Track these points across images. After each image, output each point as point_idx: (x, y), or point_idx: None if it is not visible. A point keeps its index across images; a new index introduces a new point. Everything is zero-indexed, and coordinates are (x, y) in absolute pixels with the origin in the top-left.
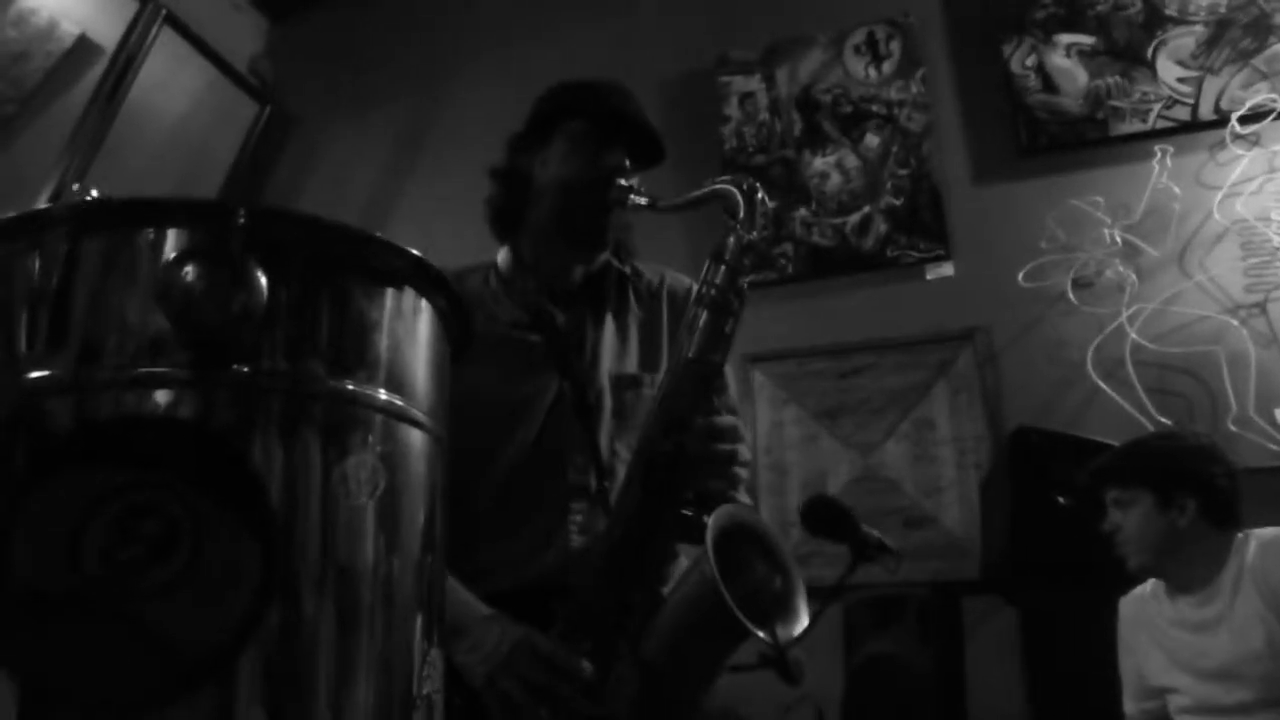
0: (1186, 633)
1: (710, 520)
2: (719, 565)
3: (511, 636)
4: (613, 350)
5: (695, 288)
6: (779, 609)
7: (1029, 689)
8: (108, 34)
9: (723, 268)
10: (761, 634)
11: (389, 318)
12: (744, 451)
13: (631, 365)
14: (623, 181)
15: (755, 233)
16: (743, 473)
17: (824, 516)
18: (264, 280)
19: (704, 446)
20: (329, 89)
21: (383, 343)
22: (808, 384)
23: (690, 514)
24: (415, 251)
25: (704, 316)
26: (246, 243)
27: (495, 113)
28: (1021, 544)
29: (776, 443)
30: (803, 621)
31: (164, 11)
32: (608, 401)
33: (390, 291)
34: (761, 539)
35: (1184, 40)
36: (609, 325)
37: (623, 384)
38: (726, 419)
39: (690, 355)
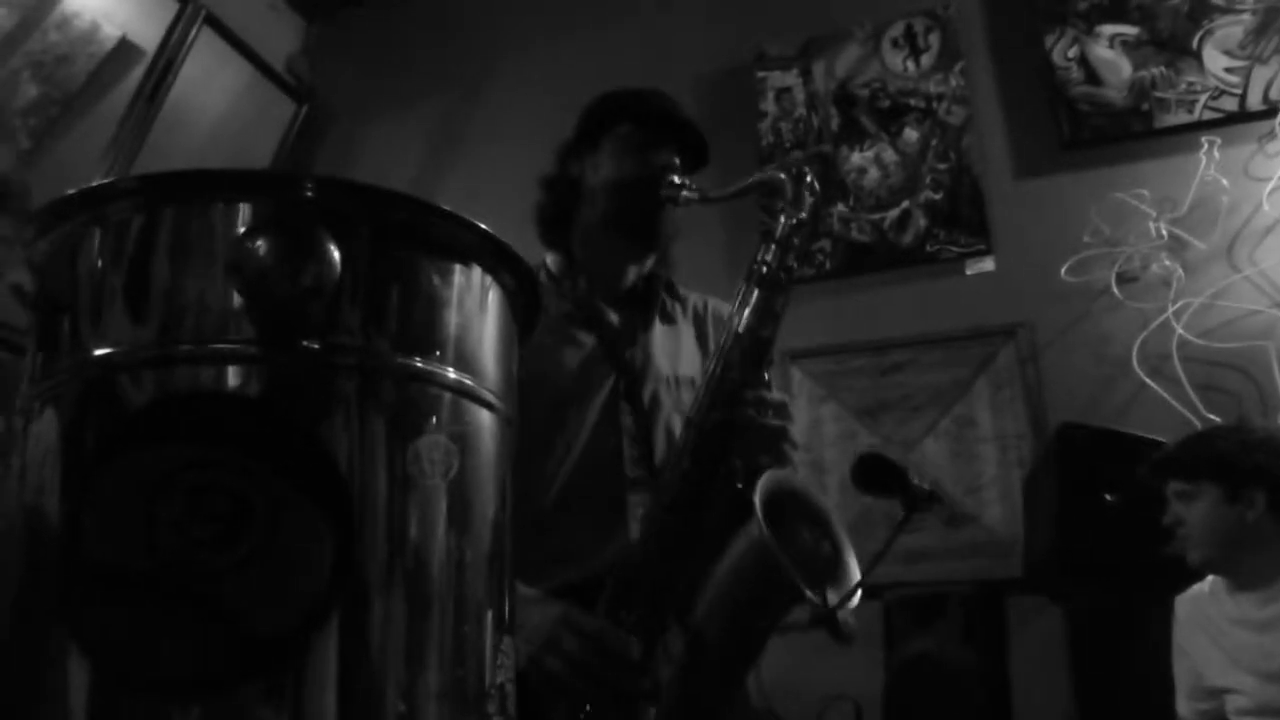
0: (1250, 632)
1: (758, 484)
2: (769, 528)
3: (553, 614)
4: (665, 352)
5: (748, 266)
6: (829, 573)
7: (1075, 689)
8: (148, 36)
9: (773, 246)
10: (810, 593)
11: (457, 293)
12: (793, 429)
13: (686, 369)
14: (674, 179)
15: (805, 212)
16: (792, 451)
17: (874, 473)
18: (336, 253)
19: (753, 420)
20: (365, 88)
21: (451, 319)
22: (847, 381)
23: (740, 486)
24: (484, 226)
25: (755, 293)
26: (315, 214)
27: (532, 110)
28: (1068, 542)
29: (815, 440)
30: (854, 581)
31: (203, 12)
32: (665, 399)
33: (458, 267)
34: (806, 504)
35: (1231, 29)
36: (659, 329)
37: (680, 384)
38: (776, 394)
39: (740, 330)
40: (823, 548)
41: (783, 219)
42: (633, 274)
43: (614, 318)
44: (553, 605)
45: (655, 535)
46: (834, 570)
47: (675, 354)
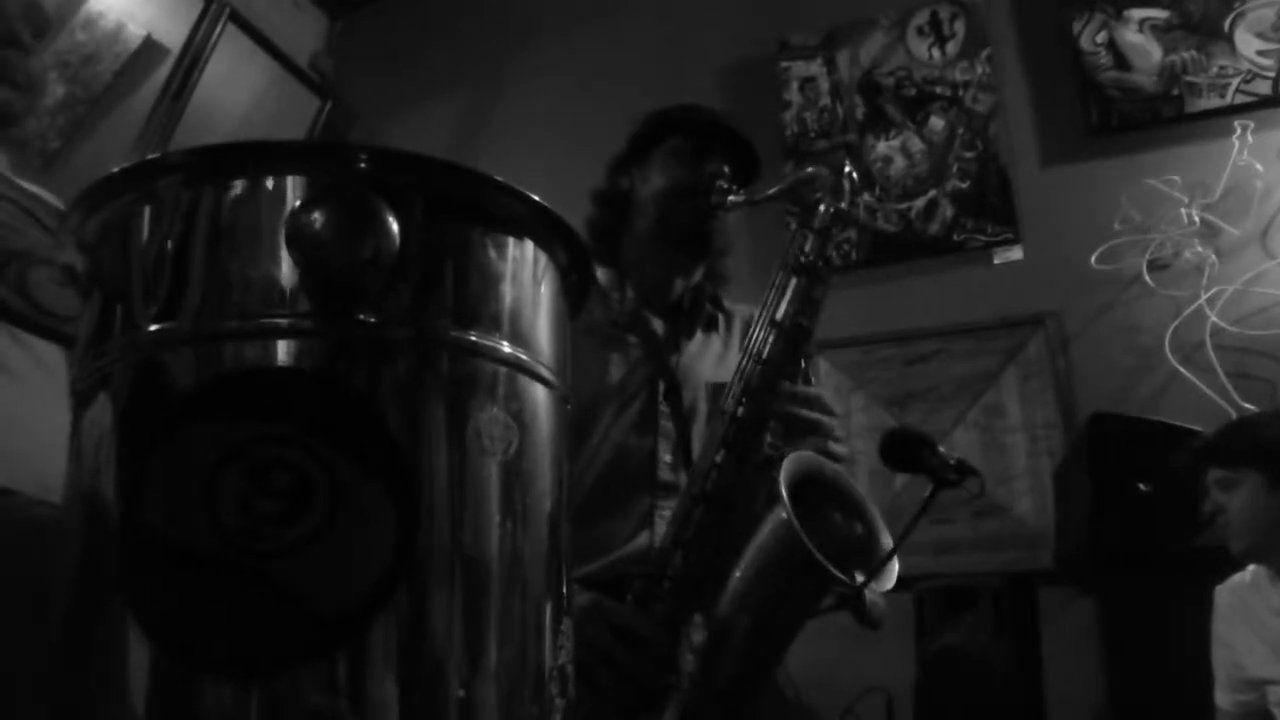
0: None
1: (782, 465)
2: (796, 511)
3: (581, 603)
4: (705, 361)
5: (784, 255)
6: (864, 559)
7: (1109, 682)
8: (173, 35)
9: (812, 235)
10: (836, 572)
11: (511, 267)
12: (831, 422)
13: (726, 377)
14: (723, 184)
15: (844, 201)
16: (837, 448)
17: (901, 448)
18: (394, 225)
19: (787, 414)
20: (388, 83)
21: (507, 293)
22: (874, 371)
23: (773, 472)
24: (538, 198)
25: (793, 281)
26: (370, 185)
27: (555, 101)
28: (1100, 533)
29: (843, 431)
30: (891, 564)
31: (227, 10)
32: (703, 406)
33: (512, 240)
34: (837, 489)
35: (1264, 11)
36: (700, 339)
37: (719, 391)
38: (811, 388)
39: (778, 318)
40: (856, 531)
41: (822, 208)
42: (680, 286)
43: (658, 326)
44: (581, 595)
45: (687, 526)
46: (869, 555)
47: (716, 364)
